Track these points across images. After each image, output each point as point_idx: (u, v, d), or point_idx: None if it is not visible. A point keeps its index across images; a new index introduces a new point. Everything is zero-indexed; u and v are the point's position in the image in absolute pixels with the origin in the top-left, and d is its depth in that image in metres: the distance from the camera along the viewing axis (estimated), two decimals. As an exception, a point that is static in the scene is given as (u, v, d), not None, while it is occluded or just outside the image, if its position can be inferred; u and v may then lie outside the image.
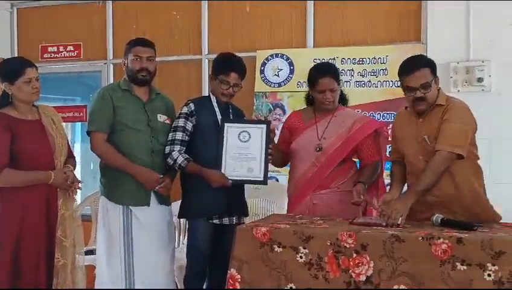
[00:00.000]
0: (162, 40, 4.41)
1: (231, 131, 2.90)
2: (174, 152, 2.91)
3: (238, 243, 2.33)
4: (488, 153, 3.32)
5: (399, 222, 2.31)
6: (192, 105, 2.98)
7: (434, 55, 3.86)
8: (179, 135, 2.93)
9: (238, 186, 2.98)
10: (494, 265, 1.99)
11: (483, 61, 3.72)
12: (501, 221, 2.57)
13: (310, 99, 3.00)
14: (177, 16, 4.68)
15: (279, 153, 3.00)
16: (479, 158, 2.65)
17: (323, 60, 4.16)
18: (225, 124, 2.92)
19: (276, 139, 3.10)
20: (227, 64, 2.98)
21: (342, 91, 2.96)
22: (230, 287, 2.28)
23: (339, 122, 2.89)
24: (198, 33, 4.62)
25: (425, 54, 3.91)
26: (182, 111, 2.98)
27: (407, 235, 2.13)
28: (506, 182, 3.50)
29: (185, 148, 2.94)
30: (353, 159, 2.97)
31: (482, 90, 3.73)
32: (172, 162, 2.91)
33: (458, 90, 3.72)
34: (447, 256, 2.05)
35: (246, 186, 3.13)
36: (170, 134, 2.96)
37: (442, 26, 3.90)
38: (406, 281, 2.08)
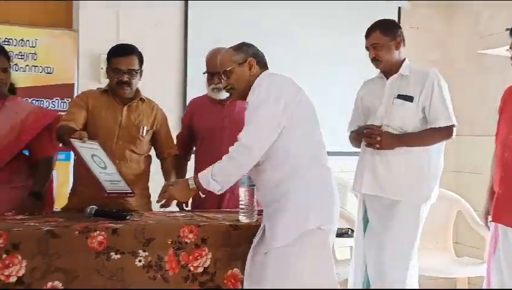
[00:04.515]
0: None
1: None
2: None
3: None
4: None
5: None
6: None
7: (85, 45, 3.91)
8: None
9: None
10: (144, 251, 2.16)
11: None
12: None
13: None
14: None
15: None
16: None
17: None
18: None
19: None
20: None
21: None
22: None
23: (11, 113, 2.60)
24: None
25: (77, 43, 3.91)
26: None
27: (63, 231, 2.09)
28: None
29: None
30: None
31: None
32: None
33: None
34: (103, 247, 2.11)
35: None
36: None
37: (94, 17, 3.94)
38: (60, 277, 2.05)
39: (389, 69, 2.86)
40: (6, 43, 3.72)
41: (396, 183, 2.78)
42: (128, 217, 2.33)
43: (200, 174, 2.20)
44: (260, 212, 2.51)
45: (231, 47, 2.41)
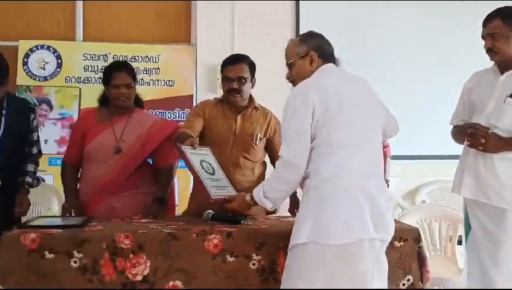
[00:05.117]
0: None
1: None
2: None
3: (2, 253, 2.13)
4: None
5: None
6: None
7: (202, 57, 4.13)
8: None
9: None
10: (257, 255, 2.22)
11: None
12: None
13: (103, 100, 2.88)
14: None
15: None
16: None
17: (94, 55, 4.08)
18: None
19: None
20: None
21: (137, 94, 2.91)
22: (-7, 302, 2.08)
23: (136, 124, 2.83)
24: None
25: (194, 56, 4.14)
26: None
27: (182, 233, 2.22)
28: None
29: None
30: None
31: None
32: None
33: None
34: (218, 250, 2.21)
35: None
36: None
37: (210, 30, 4.14)
38: (181, 277, 2.18)
39: (505, 63, 2.58)
40: (133, 60, 4.05)
41: (501, 190, 2.52)
42: (242, 222, 2.41)
43: (254, 191, 2.25)
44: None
45: (298, 36, 2.35)
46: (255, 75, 2.88)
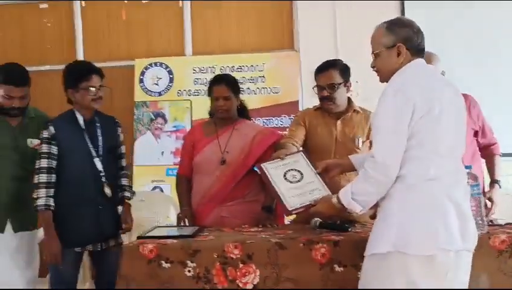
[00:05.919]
0: (32, 49, 4.21)
1: None
2: (41, 190, 2.65)
3: (124, 261, 2.30)
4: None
5: None
6: (51, 128, 2.72)
7: (307, 62, 4.12)
8: (44, 163, 2.68)
9: (110, 210, 2.81)
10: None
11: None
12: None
13: (212, 112, 2.99)
14: (48, 23, 4.48)
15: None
16: None
17: (203, 68, 4.24)
18: None
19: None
20: (84, 70, 2.75)
21: (243, 104, 2.98)
22: (118, 307, 2.25)
23: (240, 135, 2.89)
24: (72, 41, 4.47)
25: (299, 61, 4.15)
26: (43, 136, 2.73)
27: (289, 243, 2.24)
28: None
29: (54, 175, 2.71)
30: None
31: (350, 95, 4.01)
32: (35, 197, 2.67)
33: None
34: (326, 259, 2.20)
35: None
36: (37, 162, 2.71)
37: (312, 35, 4.14)
38: (290, 286, 2.19)
39: None
40: (239, 70, 4.16)
41: None
42: (350, 229, 2.38)
43: (341, 193, 2.12)
44: (491, 223, 2.32)
45: (385, 23, 2.12)
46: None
